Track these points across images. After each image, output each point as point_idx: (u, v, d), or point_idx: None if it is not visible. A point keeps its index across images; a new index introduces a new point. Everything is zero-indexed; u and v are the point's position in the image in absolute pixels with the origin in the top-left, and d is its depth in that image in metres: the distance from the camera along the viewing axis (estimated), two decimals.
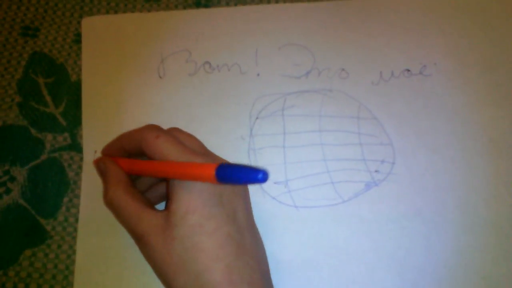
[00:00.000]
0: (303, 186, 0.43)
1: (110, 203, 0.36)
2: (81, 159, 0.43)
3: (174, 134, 0.36)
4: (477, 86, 0.46)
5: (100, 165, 0.39)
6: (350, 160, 0.43)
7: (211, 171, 0.30)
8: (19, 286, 0.40)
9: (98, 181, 0.42)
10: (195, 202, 0.33)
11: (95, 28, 0.48)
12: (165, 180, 0.40)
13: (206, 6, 0.49)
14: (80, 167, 0.43)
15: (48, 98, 0.45)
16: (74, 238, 0.41)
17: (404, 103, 0.45)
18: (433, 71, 0.46)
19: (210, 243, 0.32)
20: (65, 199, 0.42)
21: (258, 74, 0.46)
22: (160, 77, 0.46)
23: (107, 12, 0.48)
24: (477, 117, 0.45)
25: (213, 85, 0.46)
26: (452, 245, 0.41)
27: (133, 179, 0.39)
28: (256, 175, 0.29)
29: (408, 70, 0.46)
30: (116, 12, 0.48)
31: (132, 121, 0.44)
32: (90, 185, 0.42)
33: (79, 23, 0.48)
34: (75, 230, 0.41)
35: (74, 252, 0.41)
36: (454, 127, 0.44)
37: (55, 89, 0.45)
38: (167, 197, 0.39)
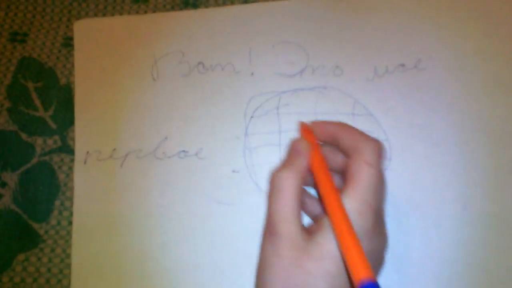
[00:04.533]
0: None
1: (276, 181, 0.36)
2: (71, 160, 0.45)
3: (382, 173, 0.36)
4: (473, 78, 0.47)
5: (297, 145, 0.39)
6: None
7: (359, 278, 0.30)
8: None
9: (90, 181, 0.44)
10: (337, 257, 0.33)
11: (87, 31, 0.50)
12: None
13: (194, 6, 0.51)
14: (70, 168, 0.45)
15: (37, 102, 0.47)
16: (67, 241, 0.43)
17: (400, 98, 0.47)
18: (428, 65, 0.48)
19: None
20: (57, 202, 0.44)
21: (252, 73, 0.48)
22: (154, 79, 0.48)
23: (96, 15, 0.51)
24: (474, 109, 0.46)
25: (207, 85, 0.48)
26: (451, 239, 0.43)
27: None
28: None
29: (403, 65, 0.48)
30: (104, 14, 0.51)
31: (126, 123, 0.46)
32: (82, 186, 0.44)
33: (67, 27, 0.50)
34: (68, 233, 0.43)
35: (67, 255, 0.43)
36: (451, 121, 0.46)
37: (44, 93, 0.48)
38: (314, 219, 0.41)
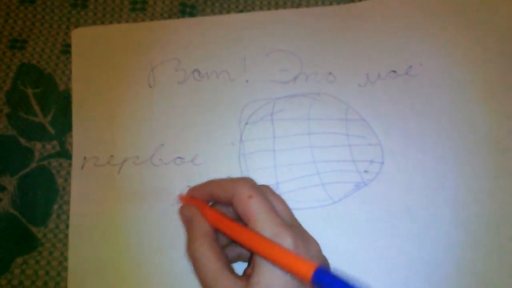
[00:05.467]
0: (294, 188, 0.46)
1: (192, 256, 0.37)
2: (70, 165, 0.46)
3: (267, 196, 0.37)
4: (464, 84, 0.49)
5: (185, 213, 0.40)
6: (339, 162, 0.46)
7: (308, 273, 0.31)
8: None
9: (87, 187, 0.45)
10: (278, 285, 0.33)
11: (85, 39, 0.51)
12: None
13: (191, 14, 0.52)
14: (68, 173, 0.46)
15: (36, 108, 0.48)
16: (65, 245, 0.44)
17: (391, 103, 0.48)
18: (419, 71, 0.49)
19: None
20: (55, 206, 0.45)
21: (246, 81, 0.50)
22: (150, 86, 0.49)
23: (94, 23, 0.52)
24: (465, 114, 0.48)
25: (202, 92, 0.49)
26: (443, 242, 0.44)
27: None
28: None
29: (394, 71, 0.50)
30: (103, 22, 0.52)
31: (123, 129, 0.47)
32: (79, 191, 0.45)
33: (66, 34, 0.51)
34: (66, 237, 0.44)
35: (65, 258, 0.43)
36: (442, 126, 0.47)
37: (43, 99, 0.49)
38: (248, 262, 0.41)
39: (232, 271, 0.36)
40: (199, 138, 0.47)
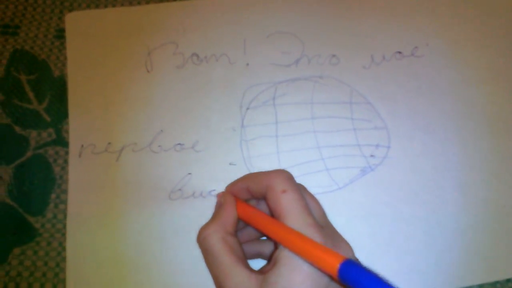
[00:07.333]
0: (298, 174, 0.45)
1: (202, 242, 0.37)
2: (67, 153, 0.46)
3: (301, 192, 0.36)
4: (470, 64, 0.49)
5: (220, 199, 0.40)
6: (344, 146, 0.46)
7: (334, 264, 0.30)
8: (9, 285, 0.42)
9: (85, 175, 0.44)
10: (298, 285, 0.32)
11: (79, 24, 0.50)
12: (271, 240, 0.41)
13: None
14: (65, 161, 0.46)
15: (31, 95, 0.48)
16: (64, 234, 0.43)
17: (397, 85, 0.48)
18: (425, 52, 0.49)
19: None
20: (53, 196, 0.45)
21: (247, 64, 0.49)
22: (148, 71, 0.48)
23: (88, 6, 0.51)
24: (472, 95, 0.48)
25: (201, 77, 0.48)
26: (450, 226, 0.44)
27: (239, 227, 0.40)
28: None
29: (400, 52, 0.49)
30: (97, 5, 0.51)
31: (120, 115, 0.47)
32: (77, 179, 0.45)
33: (60, 18, 0.51)
34: (64, 226, 0.43)
35: (64, 249, 0.43)
36: (449, 107, 0.47)
37: (38, 85, 0.48)
38: (269, 259, 0.41)
39: (246, 265, 0.36)
40: (199, 124, 0.47)
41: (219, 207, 0.40)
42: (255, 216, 0.37)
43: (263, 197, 0.38)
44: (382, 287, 0.28)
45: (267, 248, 0.41)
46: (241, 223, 0.40)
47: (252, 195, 0.39)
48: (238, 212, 0.38)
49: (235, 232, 0.38)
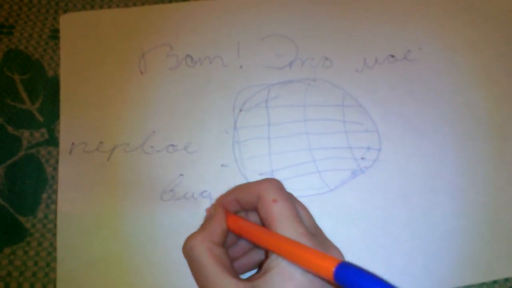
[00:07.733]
0: (289, 176, 0.45)
1: (188, 252, 0.37)
2: (59, 153, 0.46)
3: (292, 201, 0.36)
4: (463, 68, 0.49)
5: (212, 210, 0.40)
6: (335, 149, 0.46)
7: (329, 267, 0.30)
8: None
9: (75, 173, 0.45)
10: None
11: (74, 24, 0.50)
12: (260, 249, 0.41)
13: None
14: (57, 161, 0.46)
15: (24, 95, 0.48)
16: (55, 235, 0.43)
17: (389, 89, 0.48)
18: (418, 56, 0.49)
19: None
20: (44, 196, 0.45)
21: (240, 66, 0.49)
22: (141, 73, 0.49)
23: (83, 7, 0.51)
24: (464, 99, 0.48)
25: (195, 78, 0.49)
26: (441, 230, 0.44)
27: (229, 243, 0.40)
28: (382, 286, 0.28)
29: (393, 56, 0.49)
30: (92, 6, 0.51)
31: (113, 116, 0.47)
32: (67, 177, 0.45)
33: (55, 19, 0.51)
34: (55, 226, 0.43)
35: (54, 249, 0.43)
36: (440, 111, 0.47)
37: (31, 85, 0.48)
38: (259, 268, 0.41)
39: (234, 274, 0.36)
40: (192, 125, 0.47)
41: (208, 217, 0.40)
42: (246, 226, 0.37)
43: (253, 208, 0.38)
44: (380, 285, 0.28)
45: (258, 256, 0.41)
46: (233, 238, 0.40)
47: (242, 206, 0.39)
48: (229, 224, 0.38)
49: (223, 244, 0.38)
